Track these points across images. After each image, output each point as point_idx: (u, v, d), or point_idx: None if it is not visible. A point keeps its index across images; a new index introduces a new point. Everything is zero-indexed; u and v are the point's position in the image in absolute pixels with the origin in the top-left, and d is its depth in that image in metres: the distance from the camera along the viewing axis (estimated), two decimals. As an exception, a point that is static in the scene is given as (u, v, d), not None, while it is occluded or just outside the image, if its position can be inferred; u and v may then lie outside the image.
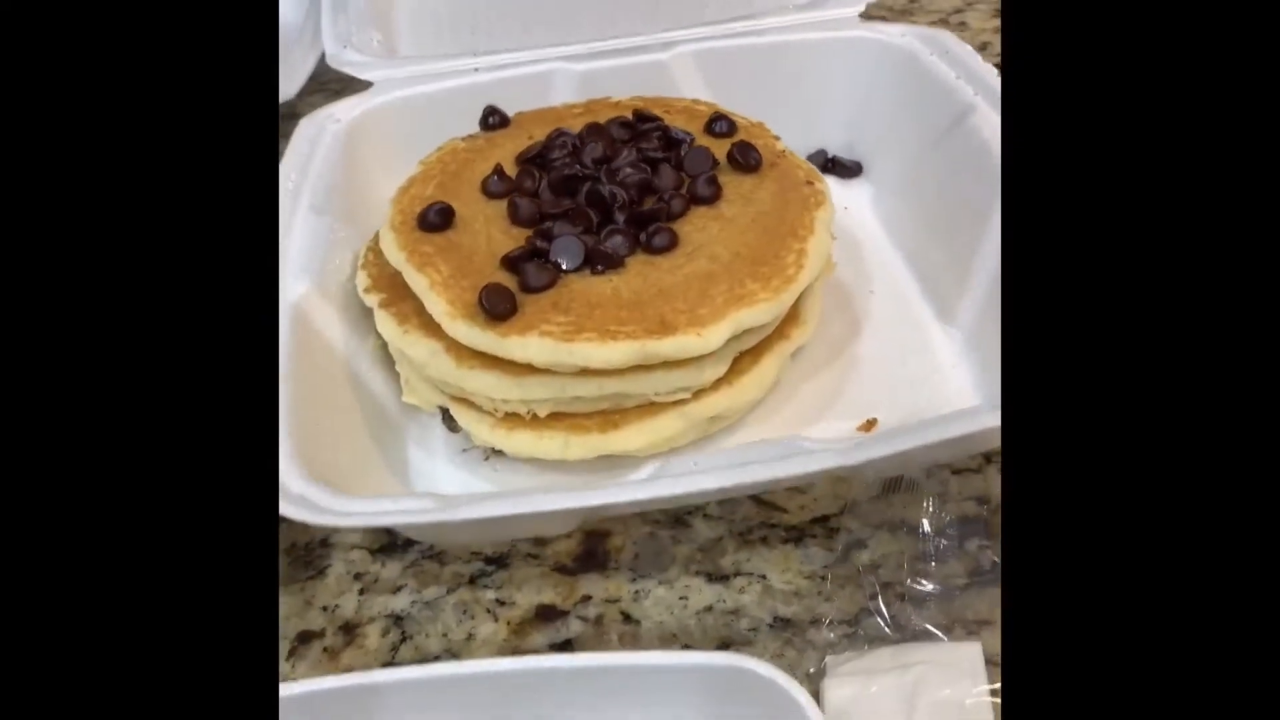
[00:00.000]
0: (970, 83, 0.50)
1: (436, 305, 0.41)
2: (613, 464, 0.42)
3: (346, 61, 0.58)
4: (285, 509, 0.34)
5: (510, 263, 0.42)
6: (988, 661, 0.35)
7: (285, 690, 0.30)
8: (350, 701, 0.31)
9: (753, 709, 0.30)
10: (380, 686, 0.31)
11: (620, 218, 0.43)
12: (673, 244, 0.43)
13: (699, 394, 0.42)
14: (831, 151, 0.58)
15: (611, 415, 0.41)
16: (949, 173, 0.50)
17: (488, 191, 0.46)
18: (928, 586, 0.38)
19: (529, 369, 0.40)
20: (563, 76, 0.56)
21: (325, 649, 0.38)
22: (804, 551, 0.41)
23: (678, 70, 0.56)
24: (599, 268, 0.42)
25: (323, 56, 0.60)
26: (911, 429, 0.35)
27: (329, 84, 0.64)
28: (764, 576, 0.40)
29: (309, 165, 0.50)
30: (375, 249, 0.47)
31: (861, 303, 0.50)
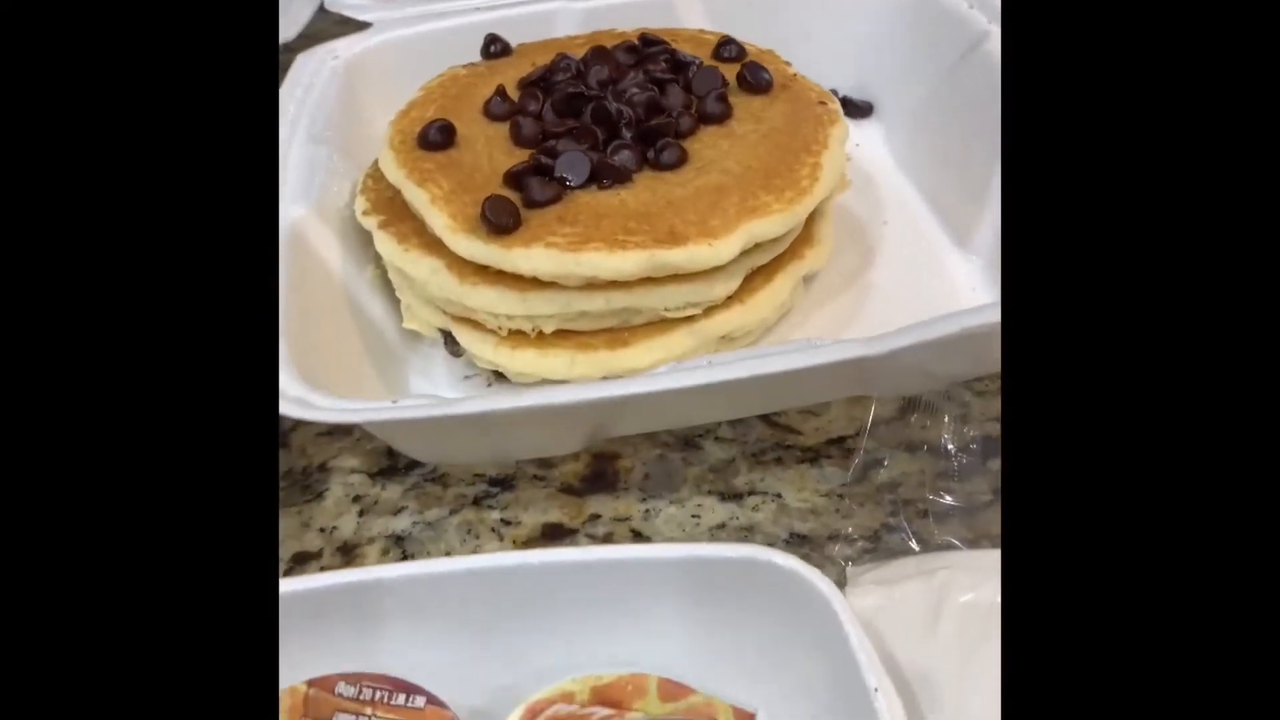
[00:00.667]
0: (983, 11, 0.49)
1: (438, 219, 0.39)
2: (621, 386, 0.40)
3: (345, 5, 0.57)
4: (284, 408, 0.32)
5: (514, 178, 0.40)
6: (1016, 570, 0.33)
7: (284, 586, 0.29)
8: (350, 599, 0.29)
9: (772, 601, 0.29)
10: (382, 583, 0.29)
11: (627, 134, 0.42)
12: (682, 160, 0.41)
13: (710, 311, 0.40)
14: (843, 92, 0.57)
15: (619, 333, 0.40)
16: (962, 102, 0.49)
17: (490, 113, 0.45)
18: (950, 501, 0.37)
19: (534, 283, 0.38)
20: (565, 15, 0.55)
21: (322, 569, 0.37)
22: (820, 471, 0.39)
23: (683, 8, 0.55)
24: (606, 182, 0.40)
25: (321, 5, 0.59)
26: (937, 320, 0.33)
27: (327, 33, 0.62)
28: (779, 495, 0.38)
29: (307, 97, 0.49)
30: (374, 175, 0.45)
31: (875, 233, 0.49)
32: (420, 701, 0.28)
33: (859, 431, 0.40)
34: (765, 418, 0.41)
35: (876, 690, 0.26)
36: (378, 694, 0.28)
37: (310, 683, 0.28)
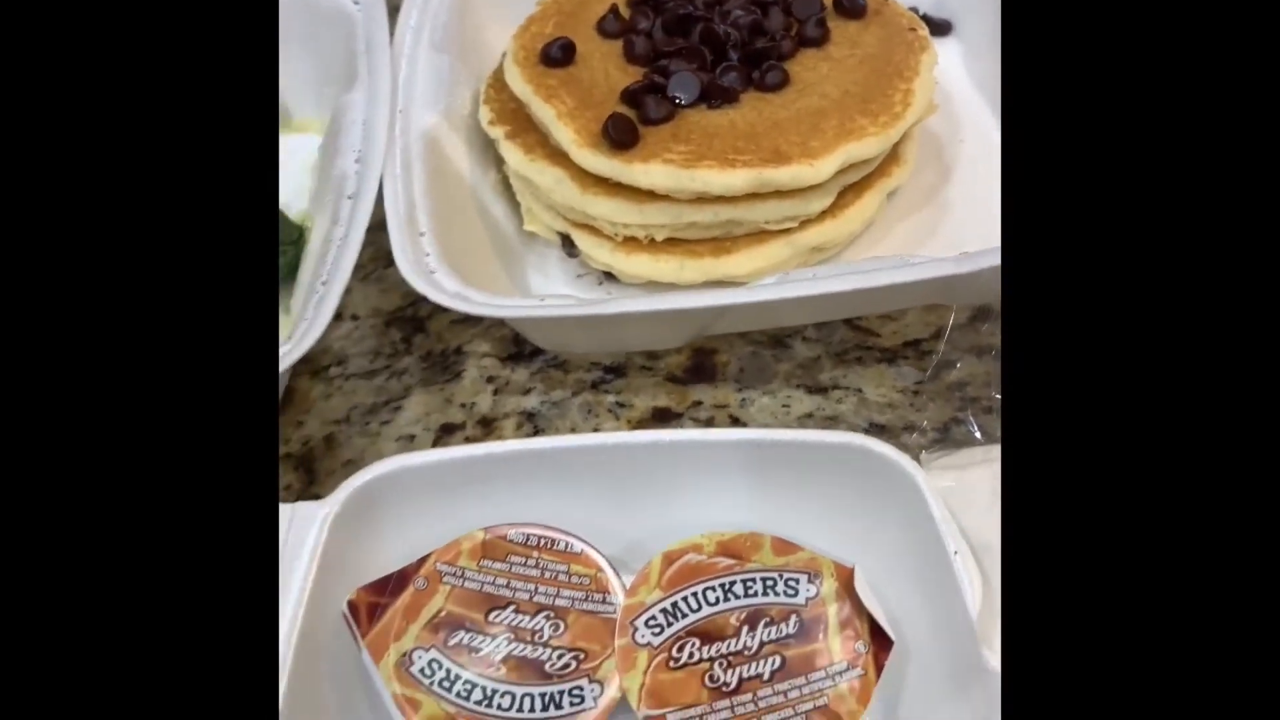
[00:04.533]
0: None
1: (564, 134, 0.44)
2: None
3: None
4: (447, 301, 0.38)
5: (630, 96, 0.44)
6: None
7: (458, 452, 0.34)
8: (507, 465, 0.35)
9: (865, 480, 0.34)
10: (531, 452, 0.35)
11: (734, 56, 0.46)
12: (785, 82, 0.45)
13: (805, 224, 0.45)
14: (921, 10, 0.59)
15: (723, 242, 0.45)
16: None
17: (603, 31, 0.48)
18: (1012, 401, 0.42)
19: (649, 195, 0.43)
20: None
21: (467, 438, 0.43)
22: (897, 370, 0.44)
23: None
24: (715, 102, 0.44)
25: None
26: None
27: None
28: (860, 390, 0.44)
29: (427, 5, 0.52)
30: (495, 85, 0.49)
31: (952, 152, 0.52)
32: (578, 546, 0.34)
33: (933, 335, 0.45)
34: (848, 321, 0.46)
35: (956, 554, 0.31)
36: (541, 540, 0.34)
37: (486, 530, 0.34)
